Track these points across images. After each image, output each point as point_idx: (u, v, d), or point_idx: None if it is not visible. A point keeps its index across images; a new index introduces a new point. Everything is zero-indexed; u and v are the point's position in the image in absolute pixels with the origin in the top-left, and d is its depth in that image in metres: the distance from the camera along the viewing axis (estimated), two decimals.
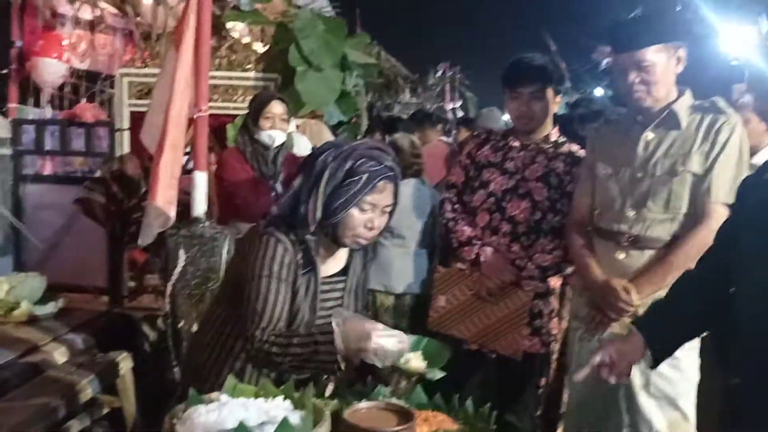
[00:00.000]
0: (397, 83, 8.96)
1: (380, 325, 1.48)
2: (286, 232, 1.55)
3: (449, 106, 10.03)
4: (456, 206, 2.38)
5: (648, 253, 1.93)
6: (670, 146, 1.93)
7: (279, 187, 2.96)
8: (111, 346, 3.10)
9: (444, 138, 5.62)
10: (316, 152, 1.58)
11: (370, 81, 8.35)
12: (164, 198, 2.57)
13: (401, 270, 3.22)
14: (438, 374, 1.64)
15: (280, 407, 1.27)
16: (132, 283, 3.69)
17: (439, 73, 11.09)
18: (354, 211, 1.54)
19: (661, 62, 1.87)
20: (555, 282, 2.37)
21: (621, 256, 1.96)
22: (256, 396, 1.33)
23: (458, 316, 2.31)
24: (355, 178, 1.52)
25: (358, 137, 6.34)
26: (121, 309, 3.50)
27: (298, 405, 1.29)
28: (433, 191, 3.36)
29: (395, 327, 3.26)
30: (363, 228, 1.57)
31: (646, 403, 1.94)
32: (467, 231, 2.31)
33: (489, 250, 2.26)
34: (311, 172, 1.54)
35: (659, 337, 1.48)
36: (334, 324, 1.47)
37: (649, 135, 1.96)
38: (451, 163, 4.06)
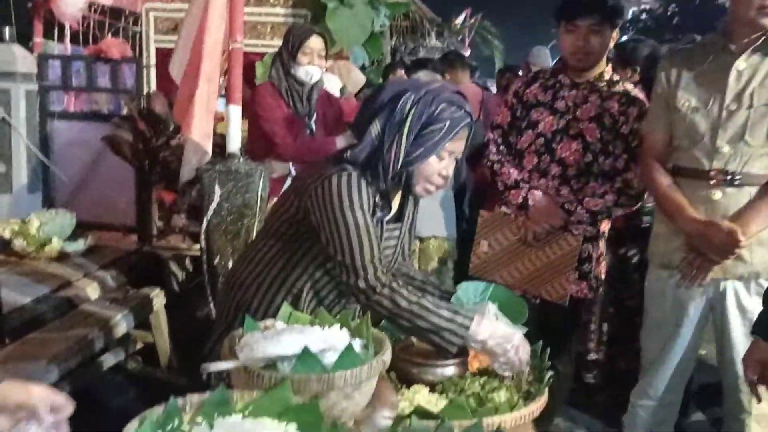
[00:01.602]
0: (423, 26, 8.67)
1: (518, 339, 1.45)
2: (360, 173, 1.48)
3: (466, 53, 9.75)
4: (501, 148, 2.29)
5: (747, 191, 1.82)
6: (766, 75, 1.80)
7: (313, 126, 2.89)
8: (141, 284, 3.12)
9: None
10: (393, 93, 1.47)
11: (395, 24, 8.13)
12: (200, 131, 2.52)
13: (427, 214, 3.15)
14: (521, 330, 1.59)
15: (338, 335, 1.24)
16: (160, 223, 3.68)
17: (461, 18, 10.75)
18: (432, 159, 1.48)
19: None
20: (605, 225, 2.28)
21: (717, 195, 1.84)
22: (312, 324, 1.30)
23: (501, 261, 2.25)
24: (438, 126, 1.45)
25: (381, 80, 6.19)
26: (150, 248, 3.50)
27: (355, 334, 1.26)
28: None
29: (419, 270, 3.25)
30: (437, 176, 1.51)
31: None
32: (514, 174, 2.23)
33: (538, 193, 2.18)
34: (392, 117, 1.45)
35: None
36: (491, 315, 1.45)
37: (741, 64, 1.82)
38: (483, 107, 3.94)
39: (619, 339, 2.89)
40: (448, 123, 1.45)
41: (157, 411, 0.89)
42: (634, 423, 2.13)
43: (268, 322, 1.30)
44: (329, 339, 1.21)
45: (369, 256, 1.44)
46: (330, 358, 1.13)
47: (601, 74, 2.20)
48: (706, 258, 1.85)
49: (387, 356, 1.18)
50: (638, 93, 2.18)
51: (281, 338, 1.19)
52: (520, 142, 2.25)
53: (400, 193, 1.62)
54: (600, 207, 2.13)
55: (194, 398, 0.95)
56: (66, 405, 0.76)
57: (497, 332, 1.42)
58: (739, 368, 1.89)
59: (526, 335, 1.60)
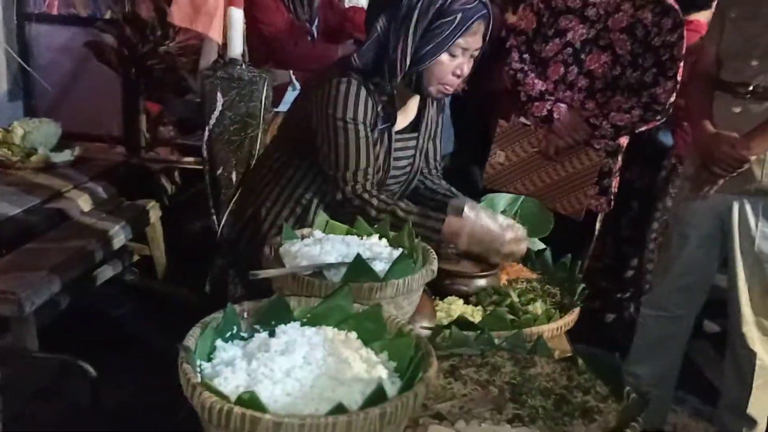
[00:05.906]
0: None
1: (510, 234, 1.40)
2: (364, 80, 1.39)
3: None
4: (525, 56, 2.18)
5: (767, 106, 1.79)
6: None
7: (314, 32, 2.75)
8: (132, 196, 3.02)
9: None
10: None
11: None
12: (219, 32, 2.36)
13: None
14: (538, 245, 1.54)
15: (379, 245, 1.18)
16: (147, 135, 3.53)
17: None
18: (444, 57, 1.37)
19: None
20: (624, 139, 2.22)
21: (737, 109, 1.81)
22: (348, 234, 1.24)
23: (518, 173, 2.20)
24: (448, 19, 1.33)
25: None
26: (138, 160, 3.37)
27: (393, 244, 1.21)
28: None
29: None
30: (451, 75, 1.40)
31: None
32: (538, 84, 2.14)
33: (563, 107, 2.10)
34: (398, 11, 1.34)
35: None
36: (466, 212, 1.38)
37: None
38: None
39: (611, 271, 2.82)
40: (459, 15, 1.33)
41: (216, 318, 0.84)
42: (643, 332, 2.16)
43: (306, 230, 1.24)
44: (373, 248, 1.16)
45: (353, 169, 1.40)
46: (378, 267, 1.08)
47: None
48: (711, 171, 1.82)
49: (435, 265, 1.14)
50: (672, 2, 2.07)
51: (324, 247, 1.14)
52: (546, 51, 2.14)
53: (418, 98, 1.52)
54: (626, 122, 2.07)
55: (250, 305, 0.89)
56: None
57: (475, 231, 1.38)
58: (741, 287, 1.91)
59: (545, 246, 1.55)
